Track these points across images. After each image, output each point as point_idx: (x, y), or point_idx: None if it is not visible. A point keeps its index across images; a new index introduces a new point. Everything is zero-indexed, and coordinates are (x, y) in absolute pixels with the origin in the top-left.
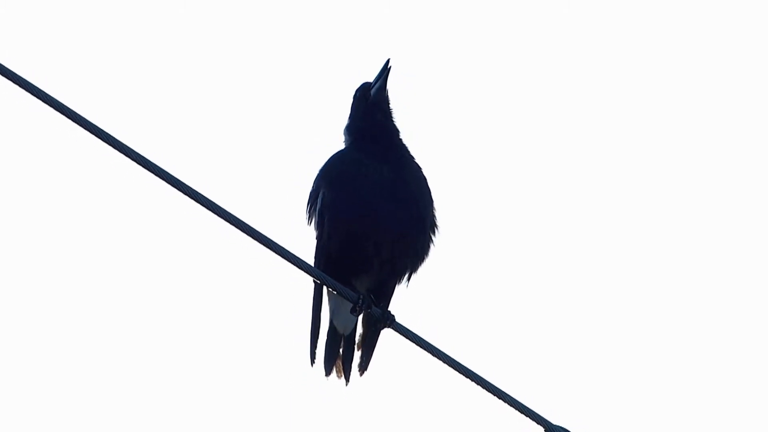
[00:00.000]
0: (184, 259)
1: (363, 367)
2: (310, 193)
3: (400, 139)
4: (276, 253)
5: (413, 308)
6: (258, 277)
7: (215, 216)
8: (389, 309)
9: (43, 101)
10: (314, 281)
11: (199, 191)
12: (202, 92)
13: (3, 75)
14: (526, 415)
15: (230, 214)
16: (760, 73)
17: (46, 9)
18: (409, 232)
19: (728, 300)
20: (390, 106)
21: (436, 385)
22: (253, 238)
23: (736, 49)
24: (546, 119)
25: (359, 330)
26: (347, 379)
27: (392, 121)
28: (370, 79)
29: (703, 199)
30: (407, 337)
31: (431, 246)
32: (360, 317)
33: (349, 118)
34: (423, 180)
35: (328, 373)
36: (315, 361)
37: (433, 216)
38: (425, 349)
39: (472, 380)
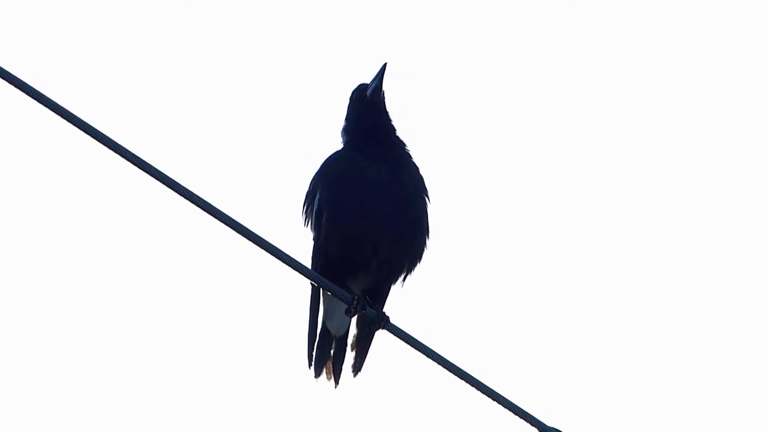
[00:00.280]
0: (181, 261)
1: (357, 369)
2: (307, 194)
3: (398, 139)
4: (271, 254)
5: (408, 310)
6: (254, 279)
7: (211, 218)
8: (384, 310)
9: (40, 102)
10: (311, 284)
11: (196, 193)
12: (199, 93)
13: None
14: (520, 417)
15: (226, 215)
16: (760, 73)
17: (44, 9)
18: (407, 232)
19: (722, 300)
20: (386, 106)
21: (431, 386)
22: (248, 239)
23: (736, 49)
24: (543, 119)
25: (353, 331)
26: (337, 381)
27: (389, 121)
28: (367, 80)
29: (698, 199)
30: (402, 339)
31: (425, 248)
32: (354, 319)
33: (346, 119)
34: (420, 180)
35: (317, 375)
36: (312, 363)
37: (427, 218)
38: (420, 351)
39: (467, 382)
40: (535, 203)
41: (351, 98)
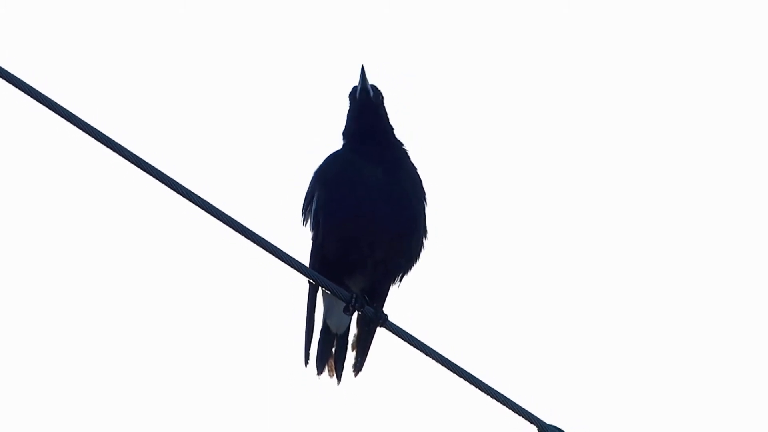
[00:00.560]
0: (180, 260)
1: (357, 368)
2: (306, 194)
3: (395, 139)
4: (270, 252)
5: (407, 308)
6: (252, 277)
7: (210, 216)
8: (383, 309)
9: (39, 101)
10: (309, 282)
11: (195, 192)
12: (198, 93)
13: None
14: (520, 414)
15: (225, 214)
16: (760, 73)
17: (40, 9)
18: (404, 232)
19: (721, 297)
20: (383, 106)
21: (430, 384)
22: (247, 238)
23: (736, 49)
24: (540, 119)
25: (353, 330)
26: (339, 379)
27: (386, 121)
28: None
29: (698, 198)
30: (401, 337)
31: (423, 247)
32: (354, 317)
33: (345, 120)
34: (417, 180)
35: (319, 372)
36: (309, 361)
37: (425, 218)
38: (418, 349)
39: (466, 379)
40: (533, 201)
41: (349, 99)
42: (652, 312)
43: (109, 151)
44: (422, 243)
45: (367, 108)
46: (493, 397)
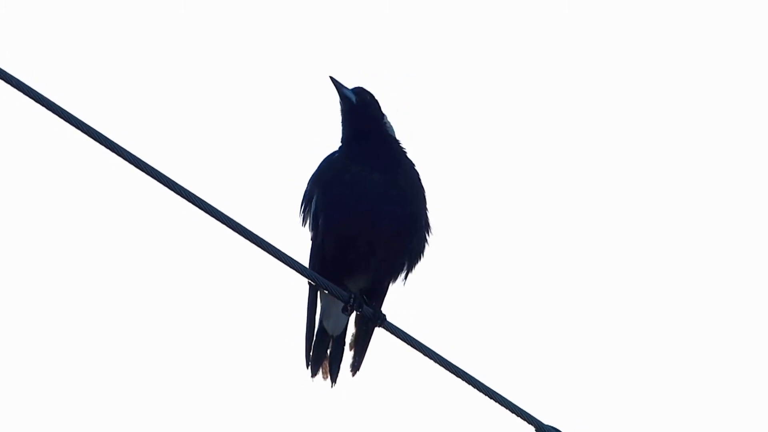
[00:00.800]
0: (179, 261)
1: (355, 368)
2: (304, 195)
3: (392, 138)
4: (269, 253)
5: (405, 308)
6: (252, 278)
7: (209, 217)
8: (381, 309)
9: (37, 102)
10: (309, 283)
11: (194, 192)
12: (197, 94)
13: None
14: (518, 415)
15: (224, 214)
16: (760, 73)
17: (39, 10)
18: (403, 231)
19: (719, 297)
20: (370, 106)
21: (428, 384)
22: (246, 239)
23: (736, 49)
24: (539, 118)
25: (351, 331)
26: (333, 381)
27: (377, 120)
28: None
29: (697, 199)
30: (398, 337)
31: (426, 244)
32: (352, 317)
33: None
34: (416, 178)
35: (314, 374)
36: (310, 363)
37: (426, 215)
38: (417, 349)
39: (464, 380)
40: (534, 201)
41: None
42: (650, 312)
43: (110, 152)
44: (425, 240)
45: (353, 113)
46: (491, 398)
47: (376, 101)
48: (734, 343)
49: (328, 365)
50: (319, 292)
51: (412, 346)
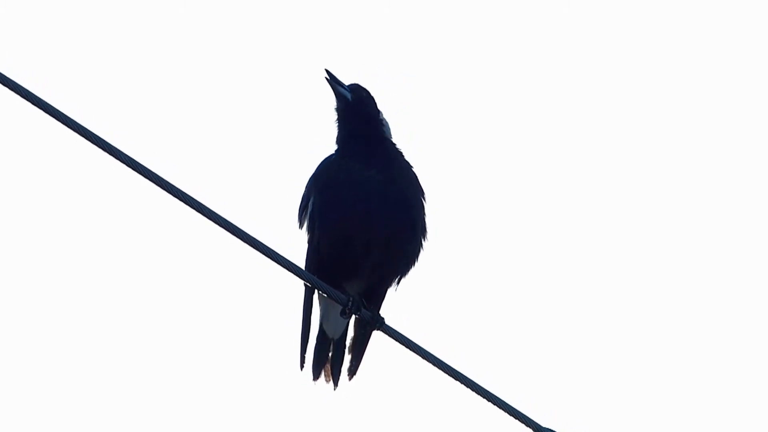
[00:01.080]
0: (176, 263)
1: (352, 371)
2: (302, 197)
3: (389, 140)
4: (266, 255)
5: (403, 311)
6: (248, 280)
7: (206, 219)
8: (379, 312)
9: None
10: (305, 284)
11: (191, 194)
12: (194, 95)
13: None
14: (516, 418)
15: (221, 217)
16: (760, 73)
17: (36, 10)
18: (400, 234)
19: (712, 299)
20: (366, 105)
21: (426, 387)
22: (243, 241)
23: (736, 49)
24: (539, 119)
25: (350, 334)
26: (336, 384)
27: (373, 119)
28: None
29: (693, 200)
30: (397, 340)
31: (421, 248)
32: (351, 321)
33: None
34: (413, 181)
35: (316, 377)
36: (304, 365)
37: (423, 218)
38: (415, 352)
39: (462, 383)
40: (531, 204)
41: None
42: (647, 316)
43: (106, 154)
44: (420, 244)
45: (349, 112)
46: (489, 401)
47: (372, 99)
48: (731, 347)
49: (330, 368)
50: (317, 296)
51: (410, 349)
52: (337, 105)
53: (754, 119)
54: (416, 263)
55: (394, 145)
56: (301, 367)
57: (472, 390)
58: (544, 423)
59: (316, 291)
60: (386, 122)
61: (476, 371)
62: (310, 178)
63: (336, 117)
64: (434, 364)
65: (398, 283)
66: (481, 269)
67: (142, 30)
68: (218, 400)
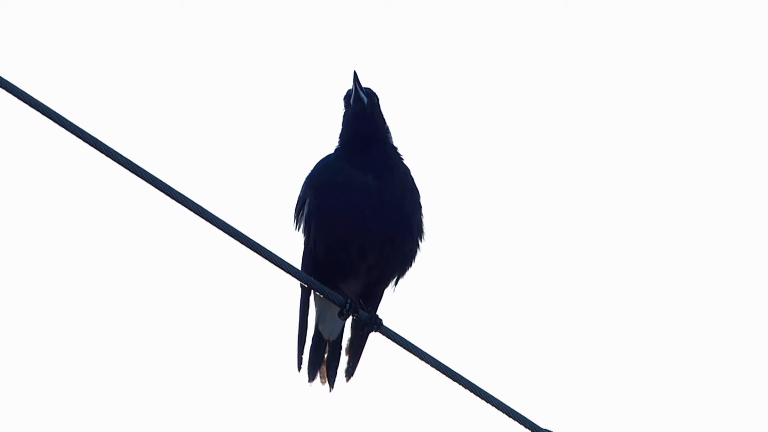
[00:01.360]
0: (173, 264)
1: (349, 373)
2: (298, 198)
3: (390, 144)
4: (263, 257)
5: (401, 312)
6: (245, 281)
7: (203, 220)
8: (377, 313)
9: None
10: (301, 286)
11: (188, 196)
12: (192, 97)
13: None
14: (513, 419)
15: (218, 218)
16: (760, 73)
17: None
18: (396, 236)
19: (710, 300)
20: (376, 110)
21: (424, 388)
22: (240, 242)
23: (736, 49)
24: (537, 121)
25: (347, 335)
26: (331, 385)
27: (380, 125)
28: (361, 82)
29: (691, 200)
30: (395, 341)
31: (418, 250)
32: (348, 322)
33: (341, 123)
34: (411, 184)
35: (311, 378)
36: (302, 366)
37: (420, 220)
38: (412, 353)
39: (460, 383)
40: (528, 206)
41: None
42: (645, 316)
43: (103, 156)
44: (417, 246)
45: (361, 114)
46: (487, 401)
47: (379, 103)
48: (730, 347)
49: (325, 370)
50: (313, 297)
51: (408, 350)
52: (353, 107)
53: (754, 119)
54: (413, 264)
55: (396, 149)
56: (299, 368)
57: (471, 391)
58: (542, 424)
59: (312, 292)
60: (387, 126)
61: (474, 372)
62: (307, 178)
63: (345, 117)
64: (432, 366)
65: (396, 284)
66: (479, 270)
67: (141, 30)
68: (215, 400)
